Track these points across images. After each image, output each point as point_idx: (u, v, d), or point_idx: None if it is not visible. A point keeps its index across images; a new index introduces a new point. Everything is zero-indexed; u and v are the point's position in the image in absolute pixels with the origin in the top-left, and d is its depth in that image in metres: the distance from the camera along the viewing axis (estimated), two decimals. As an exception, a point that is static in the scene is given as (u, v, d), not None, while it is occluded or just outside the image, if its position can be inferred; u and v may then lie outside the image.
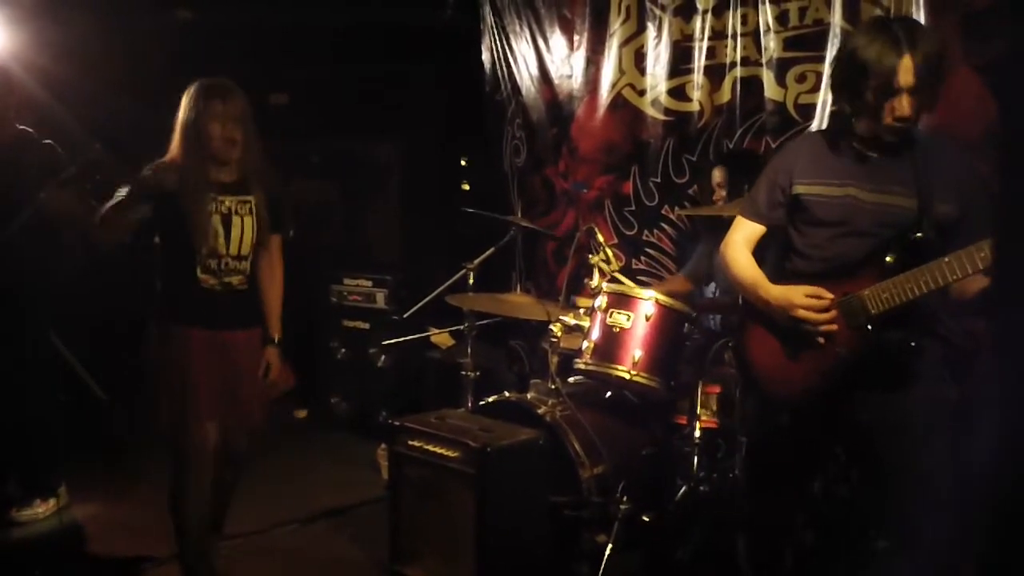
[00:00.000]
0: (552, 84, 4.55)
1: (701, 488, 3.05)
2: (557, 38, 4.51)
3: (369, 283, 4.88)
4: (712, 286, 3.65)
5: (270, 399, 2.97)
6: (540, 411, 3.05)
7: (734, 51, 3.80)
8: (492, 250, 3.66)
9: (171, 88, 2.84)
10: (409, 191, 5.08)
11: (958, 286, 2.13)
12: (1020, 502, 0.88)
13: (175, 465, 2.80)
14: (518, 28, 4.67)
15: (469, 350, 3.49)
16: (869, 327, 2.18)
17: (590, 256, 3.19)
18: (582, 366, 3.07)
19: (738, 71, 3.80)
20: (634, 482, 2.94)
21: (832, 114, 3.43)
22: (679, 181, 4.07)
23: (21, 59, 3.92)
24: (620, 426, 3.18)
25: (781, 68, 3.64)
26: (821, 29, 3.51)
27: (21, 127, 3.67)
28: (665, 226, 4.16)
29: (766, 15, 3.65)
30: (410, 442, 2.92)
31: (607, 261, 3.15)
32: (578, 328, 3.15)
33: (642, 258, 4.24)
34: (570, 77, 4.47)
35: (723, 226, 3.43)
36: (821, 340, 2.24)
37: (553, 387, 3.11)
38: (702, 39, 3.91)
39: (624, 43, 4.21)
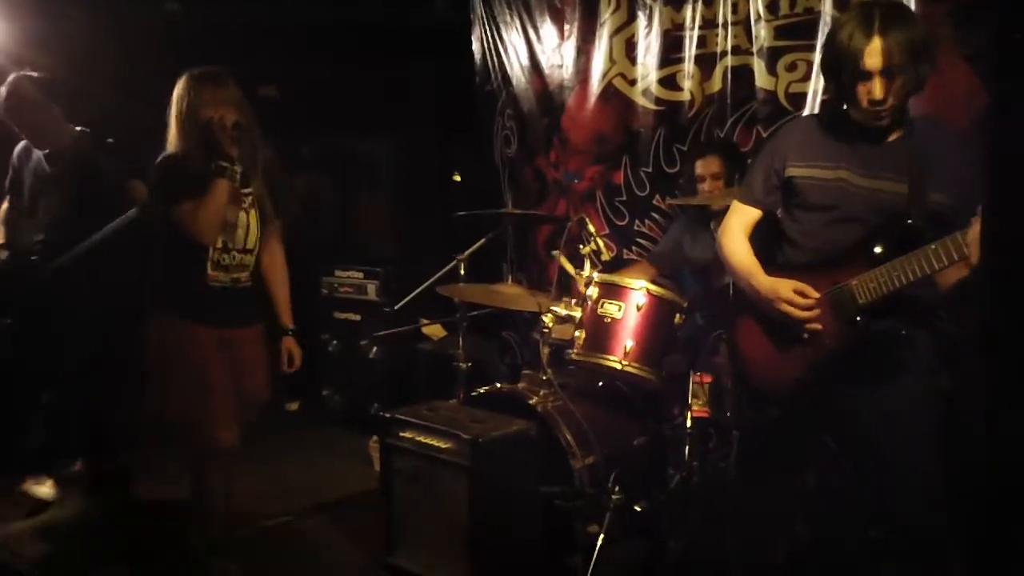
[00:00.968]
0: (543, 74, 4.54)
1: (693, 478, 3.06)
2: (548, 28, 4.49)
3: (360, 275, 4.87)
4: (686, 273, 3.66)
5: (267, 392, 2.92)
6: (532, 402, 3.05)
7: (725, 40, 3.79)
8: (483, 241, 3.65)
9: (160, 83, 2.81)
10: (400, 183, 5.07)
11: (943, 275, 2.13)
12: (1005, 492, 0.88)
13: (195, 465, 2.79)
14: (508, 18, 4.65)
15: (461, 341, 3.48)
16: (858, 318, 2.18)
17: (581, 246, 3.19)
18: (574, 356, 3.07)
19: (729, 60, 3.79)
20: (626, 472, 2.95)
21: (823, 102, 3.44)
22: (670, 171, 4.06)
23: (11, 54, 3.90)
24: (612, 416, 3.19)
25: (772, 57, 3.63)
26: (812, 18, 3.50)
27: (79, 128, 3.65)
28: (656, 216, 4.15)
29: (756, 4, 3.64)
30: (402, 433, 2.92)
31: (597, 251, 3.15)
32: (569, 319, 3.15)
33: (633, 248, 4.23)
34: (561, 67, 4.45)
35: (702, 215, 3.46)
36: (805, 335, 2.24)
37: (545, 378, 3.11)
38: (693, 28, 3.90)
39: (615, 32, 4.20)
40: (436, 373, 4.25)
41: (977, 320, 0.90)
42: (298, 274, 3.11)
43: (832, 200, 2.25)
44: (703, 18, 3.86)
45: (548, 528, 2.87)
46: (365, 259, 4.91)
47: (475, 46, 4.83)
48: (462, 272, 3.53)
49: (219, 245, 2.72)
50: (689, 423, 3.08)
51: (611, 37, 4.21)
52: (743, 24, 3.72)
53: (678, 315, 3.04)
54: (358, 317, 4.87)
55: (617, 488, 2.87)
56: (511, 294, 3.48)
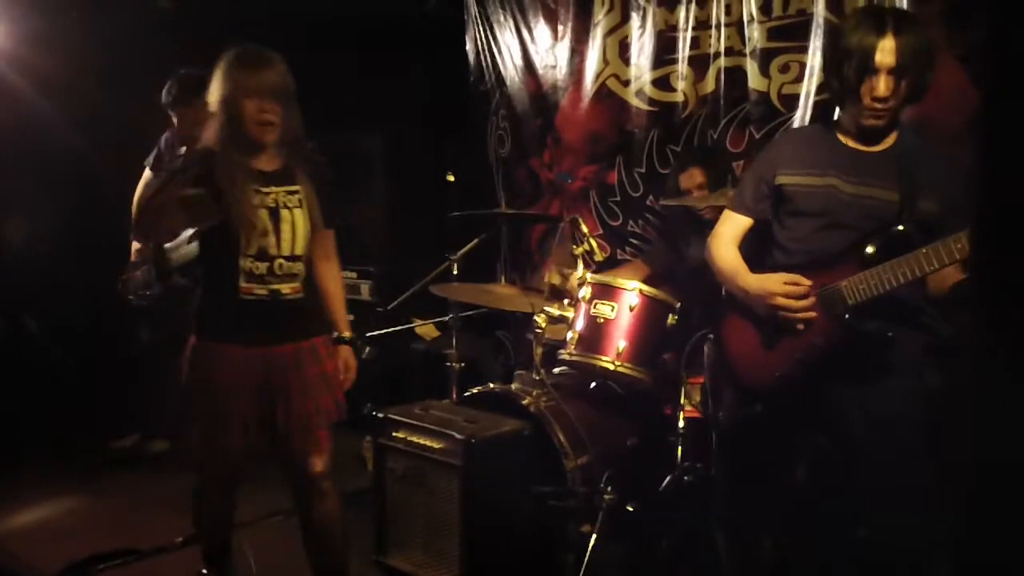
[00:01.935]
0: (536, 74, 4.54)
1: (685, 478, 3.06)
2: (541, 28, 4.50)
3: (354, 275, 4.86)
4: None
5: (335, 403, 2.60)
6: (525, 402, 3.05)
7: (718, 41, 3.80)
8: (476, 241, 3.66)
9: (150, 79, 2.78)
10: (394, 183, 5.06)
11: (936, 280, 2.16)
12: (991, 493, 0.89)
13: (201, 488, 2.71)
14: (502, 18, 4.65)
15: (454, 341, 3.48)
16: (847, 316, 2.19)
17: (574, 247, 3.19)
18: (567, 357, 3.07)
19: (722, 61, 3.80)
20: (619, 472, 2.95)
21: (816, 104, 3.45)
22: (664, 171, 4.06)
23: (5, 53, 3.89)
24: (605, 416, 3.19)
25: (765, 58, 3.64)
26: (805, 19, 3.51)
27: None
28: (650, 216, 4.16)
29: (750, 5, 3.65)
30: (395, 433, 2.92)
31: (591, 252, 3.15)
32: (563, 319, 3.15)
33: (627, 249, 4.24)
34: (554, 67, 4.46)
35: (694, 216, 3.46)
36: (800, 327, 2.25)
37: (538, 378, 3.11)
38: (686, 29, 3.91)
39: (608, 33, 4.20)
40: (429, 373, 4.25)
41: (970, 322, 0.90)
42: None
43: (821, 207, 2.28)
44: (696, 19, 3.87)
45: (541, 528, 2.87)
46: (358, 259, 4.89)
47: (469, 46, 4.83)
48: (455, 272, 3.53)
49: (251, 251, 2.38)
50: (682, 423, 3.08)
51: (605, 38, 4.21)
52: (736, 25, 3.73)
53: (671, 316, 3.05)
54: (351, 317, 4.84)
55: (610, 488, 2.87)
56: (505, 294, 3.48)
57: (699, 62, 3.89)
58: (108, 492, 3.83)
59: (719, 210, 2.70)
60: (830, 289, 2.22)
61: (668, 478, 3.06)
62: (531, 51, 4.55)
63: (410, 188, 5.03)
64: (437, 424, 2.82)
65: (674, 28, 3.95)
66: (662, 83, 4.03)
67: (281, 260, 2.42)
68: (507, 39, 4.64)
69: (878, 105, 2.16)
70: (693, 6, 3.87)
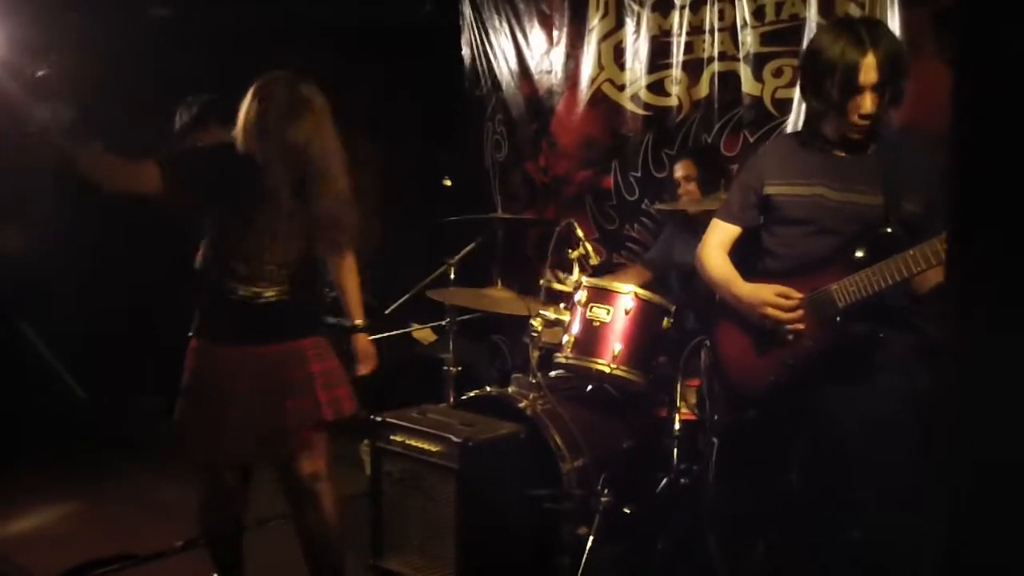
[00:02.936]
0: (532, 79, 4.57)
1: (681, 480, 3.08)
2: (536, 33, 4.52)
3: (351, 279, 4.87)
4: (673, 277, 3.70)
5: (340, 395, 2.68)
6: (521, 405, 3.06)
7: (711, 46, 3.83)
8: (473, 245, 3.67)
9: (144, 86, 2.79)
10: (390, 187, 5.07)
11: (922, 281, 2.18)
12: (976, 497, 0.90)
13: (199, 488, 2.71)
14: (497, 23, 4.68)
15: (451, 345, 3.49)
16: (837, 319, 2.22)
17: (570, 251, 3.21)
18: (562, 360, 3.08)
19: (716, 66, 3.82)
20: (615, 475, 2.96)
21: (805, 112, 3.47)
22: (659, 175, 4.09)
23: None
24: (600, 419, 3.20)
25: (758, 63, 3.67)
26: (797, 24, 3.54)
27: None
28: (645, 220, 4.18)
29: (743, 10, 3.68)
30: (391, 437, 2.93)
31: (586, 256, 3.17)
32: (559, 322, 3.17)
33: (623, 252, 4.26)
34: (549, 72, 4.48)
35: (688, 219, 3.49)
36: (790, 337, 2.28)
37: (534, 381, 3.13)
38: (680, 34, 3.93)
39: (603, 38, 4.23)
40: (426, 377, 4.25)
41: (950, 322, 0.92)
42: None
43: (809, 214, 2.31)
44: (690, 24, 3.90)
45: (537, 530, 2.88)
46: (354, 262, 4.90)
47: (464, 51, 4.85)
48: (452, 276, 3.54)
49: (239, 252, 2.47)
50: (677, 426, 3.09)
51: (599, 43, 4.24)
52: (729, 30, 3.76)
53: (666, 319, 3.06)
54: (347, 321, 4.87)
55: (606, 490, 2.89)
56: (501, 298, 3.49)
57: (693, 67, 3.92)
58: (106, 497, 3.84)
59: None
60: (820, 293, 2.25)
61: (664, 480, 3.07)
62: (526, 56, 4.58)
63: (406, 192, 5.04)
64: (434, 427, 2.83)
65: (668, 33, 3.98)
66: (656, 87, 4.06)
67: (269, 265, 2.50)
68: (502, 44, 4.67)
69: (864, 122, 2.19)
70: (687, 11, 3.90)
